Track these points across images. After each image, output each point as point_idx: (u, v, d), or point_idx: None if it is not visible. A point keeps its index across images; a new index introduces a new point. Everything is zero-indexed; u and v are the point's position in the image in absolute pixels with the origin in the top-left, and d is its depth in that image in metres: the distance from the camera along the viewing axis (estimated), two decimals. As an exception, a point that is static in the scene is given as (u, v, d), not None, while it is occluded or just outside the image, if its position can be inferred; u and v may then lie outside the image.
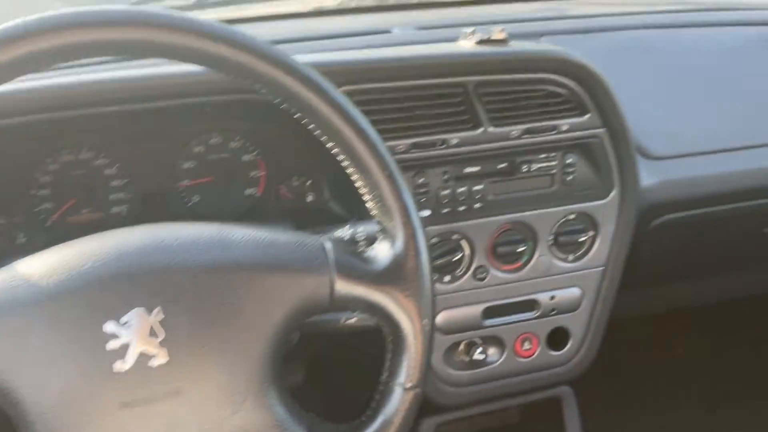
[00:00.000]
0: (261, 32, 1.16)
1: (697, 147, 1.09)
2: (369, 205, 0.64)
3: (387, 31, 1.14)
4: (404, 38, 1.11)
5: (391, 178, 0.61)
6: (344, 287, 0.60)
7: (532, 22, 1.21)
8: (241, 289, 0.57)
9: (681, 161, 1.08)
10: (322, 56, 0.91)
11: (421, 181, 0.92)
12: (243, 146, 0.93)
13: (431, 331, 0.63)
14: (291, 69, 0.57)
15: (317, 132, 0.61)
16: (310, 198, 0.96)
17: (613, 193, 1.00)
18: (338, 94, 0.59)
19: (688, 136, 1.10)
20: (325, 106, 0.59)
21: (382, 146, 0.61)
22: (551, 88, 0.94)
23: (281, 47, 1.02)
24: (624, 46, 1.19)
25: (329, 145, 0.62)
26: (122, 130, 0.86)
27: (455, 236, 0.96)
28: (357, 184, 0.63)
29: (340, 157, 0.62)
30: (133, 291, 0.55)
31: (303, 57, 0.91)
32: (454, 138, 0.91)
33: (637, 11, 1.32)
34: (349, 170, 0.63)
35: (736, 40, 1.26)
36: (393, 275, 0.61)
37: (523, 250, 0.99)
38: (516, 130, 0.93)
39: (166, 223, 0.60)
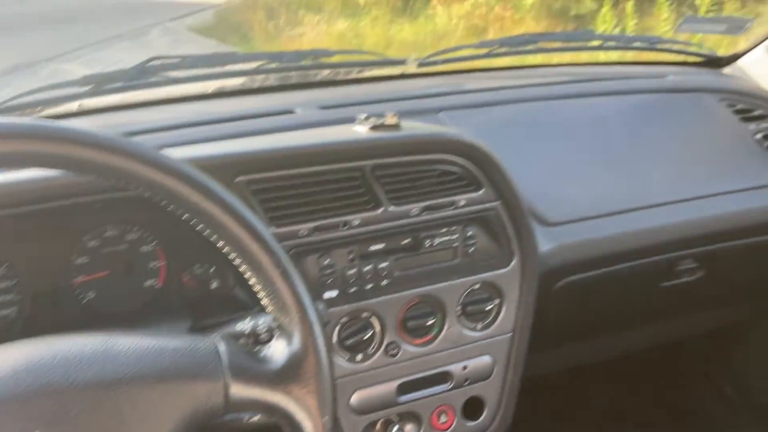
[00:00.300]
0: (162, 116, 1.16)
1: (590, 211, 1.15)
2: (264, 302, 0.63)
3: (290, 111, 1.16)
4: (307, 119, 1.13)
5: (284, 274, 0.61)
6: (240, 390, 0.59)
7: (431, 98, 1.26)
8: (127, 406, 0.54)
9: (576, 225, 1.14)
10: (219, 147, 0.91)
11: (326, 262, 0.92)
12: (141, 237, 0.90)
13: (333, 429, 0.62)
14: (169, 170, 0.57)
15: (207, 232, 0.61)
16: (214, 285, 0.94)
17: (514, 262, 1.03)
18: (222, 191, 0.59)
19: (580, 202, 1.16)
20: (210, 204, 0.59)
21: (273, 242, 0.62)
22: (445, 167, 0.97)
23: (186, 132, 1.03)
24: (518, 119, 1.26)
25: (219, 244, 0.61)
26: (7, 232, 0.83)
27: (365, 314, 0.96)
28: (250, 282, 0.63)
29: (232, 256, 0.62)
30: (8, 416, 0.52)
31: (201, 147, 0.91)
32: (355, 219, 0.93)
33: (530, 83, 1.40)
34: (242, 268, 0.62)
35: (621, 108, 1.35)
36: (290, 374, 0.61)
37: (433, 323, 1.00)
38: (416, 207, 0.96)
39: (45, 338, 0.57)
